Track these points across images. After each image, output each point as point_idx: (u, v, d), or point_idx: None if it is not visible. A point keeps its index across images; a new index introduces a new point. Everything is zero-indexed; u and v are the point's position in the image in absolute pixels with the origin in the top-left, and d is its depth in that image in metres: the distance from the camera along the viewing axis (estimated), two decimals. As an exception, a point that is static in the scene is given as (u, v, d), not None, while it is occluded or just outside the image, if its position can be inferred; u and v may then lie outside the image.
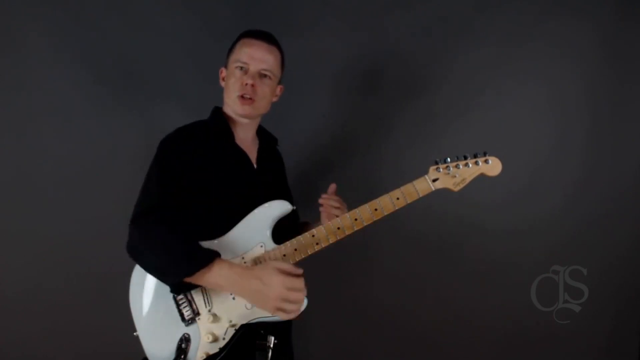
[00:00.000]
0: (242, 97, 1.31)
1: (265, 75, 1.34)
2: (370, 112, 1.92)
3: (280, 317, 1.14)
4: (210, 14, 1.83)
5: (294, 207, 1.30)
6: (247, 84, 1.30)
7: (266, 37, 1.36)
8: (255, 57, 1.32)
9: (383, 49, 1.89)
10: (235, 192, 1.29)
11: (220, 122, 1.36)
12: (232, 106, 1.34)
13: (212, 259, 1.12)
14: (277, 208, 1.27)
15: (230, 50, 1.39)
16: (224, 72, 1.40)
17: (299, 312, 1.14)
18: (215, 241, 1.23)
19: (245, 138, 1.40)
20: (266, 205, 1.27)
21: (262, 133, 1.49)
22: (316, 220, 1.46)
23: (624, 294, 1.93)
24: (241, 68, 1.32)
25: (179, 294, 1.19)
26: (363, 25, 1.88)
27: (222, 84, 1.40)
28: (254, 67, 1.32)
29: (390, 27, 1.88)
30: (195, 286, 1.16)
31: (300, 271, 1.15)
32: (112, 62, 1.81)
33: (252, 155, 1.39)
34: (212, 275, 1.12)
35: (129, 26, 1.80)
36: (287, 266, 1.14)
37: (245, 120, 1.38)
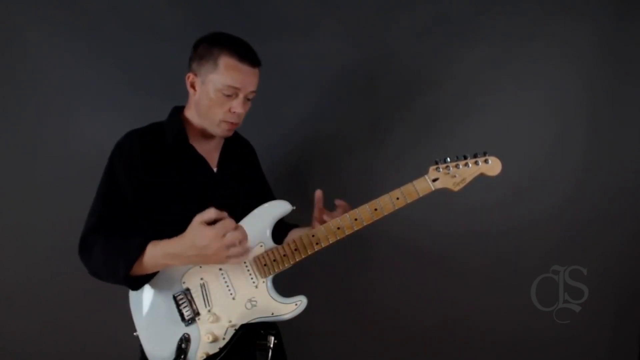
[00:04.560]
0: (231, 122, 1.27)
1: (249, 98, 1.29)
2: (370, 112, 1.92)
3: (236, 262, 1.14)
4: (211, 14, 1.83)
5: (294, 207, 1.29)
6: (236, 113, 1.25)
7: (255, 60, 1.27)
8: (246, 83, 1.24)
9: (382, 49, 1.89)
10: (192, 199, 1.24)
11: (177, 126, 1.29)
12: (214, 129, 1.28)
13: (143, 245, 1.13)
14: (277, 208, 1.27)
15: (206, 59, 1.24)
16: (192, 78, 1.28)
17: (248, 250, 1.14)
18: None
19: (207, 141, 1.35)
20: (266, 205, 1.27)
21: None
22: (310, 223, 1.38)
23: (624, 294, 1.93)
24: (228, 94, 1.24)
25: (137, 289, 1.20)
26: (362, 25, 1.88)
27: (191, 91, 1.29)
28: (243, 93, 1.25)
29: (390, 27, 1.88)
30: (152, 276, 1.19)
31: (222, 214, 1.10)
32: (113, 62, 1.80)
33: (213, 158, 1.35)
34: (151, 259, 1.13)
35: (130, 26, 1.80)
36: (208, 214, 1.09)
37: None
